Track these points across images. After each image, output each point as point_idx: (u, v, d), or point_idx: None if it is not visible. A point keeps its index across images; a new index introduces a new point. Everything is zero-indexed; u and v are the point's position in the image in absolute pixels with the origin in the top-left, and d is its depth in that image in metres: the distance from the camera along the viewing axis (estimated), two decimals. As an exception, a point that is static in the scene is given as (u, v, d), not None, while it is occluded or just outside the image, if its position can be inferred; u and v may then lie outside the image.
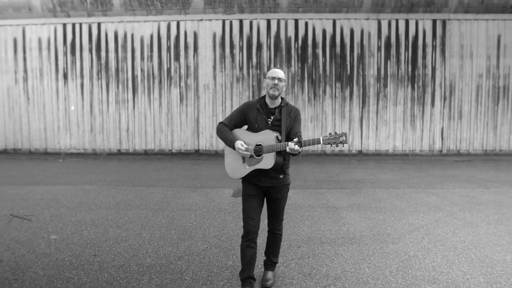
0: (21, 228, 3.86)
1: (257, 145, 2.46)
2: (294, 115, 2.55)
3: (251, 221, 2.46)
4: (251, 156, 2.47)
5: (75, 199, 5.24)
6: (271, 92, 2.47)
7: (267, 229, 2.70)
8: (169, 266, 2.91)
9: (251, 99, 11.24)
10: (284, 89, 2.52)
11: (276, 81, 2.46)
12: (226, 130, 2.56)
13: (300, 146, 2.32)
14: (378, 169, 8.31)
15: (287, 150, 2.32)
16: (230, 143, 2.50)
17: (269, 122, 2.50)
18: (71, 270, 2.83)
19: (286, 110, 2.53)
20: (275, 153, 2.40)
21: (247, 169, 2.49)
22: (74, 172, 7.97)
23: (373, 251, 3.21)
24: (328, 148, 10.78)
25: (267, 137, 2.42)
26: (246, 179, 2.55)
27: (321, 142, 2.34)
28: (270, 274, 2.69)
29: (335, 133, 2.33)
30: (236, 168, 2.54)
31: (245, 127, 2.63)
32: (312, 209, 4.63)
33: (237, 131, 2.59)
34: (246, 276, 2.45)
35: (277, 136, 2.43)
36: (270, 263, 2.73)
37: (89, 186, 6.20)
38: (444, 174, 7.47)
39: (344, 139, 2.32)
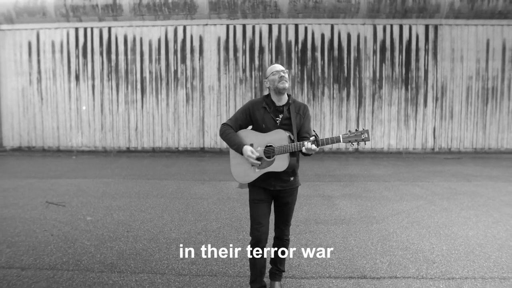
0: (59, 212, 4.50)
1: (267, 146, 2.29)
2: (303, 112, 2.39)
3: (261, 228, 2.34)
4: (261, 159, 2.31)
5: (98, 189, 5.88)
6: (281, 85, 2.29)
7: (274, 235, 2.54)
8: (191, 239, 3.54)
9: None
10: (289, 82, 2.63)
11: (282, 73, 2.31)
12: (231, 132, 2.37)
13: (317, 145, 2.14)
14: (373, 165, 8.94)
15: (303, 150, 2.16)
16: (237, 148, 2.32)
17: (277, 122, 2.34)
18: (112, 241, 3.47)
19: (294, 107, 2.37)
20: (288, 154, 2.25)
21: (257, 173, 2.31)
22: (89, 167, 8.60)
23: (359, 229, 3.84)
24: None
25: (279, 137, 2.25)
26: (253, 183, 2.38)
27: (341, 141, 2.14)
28: (277, 285, 2.56)
29: (356, 130, 2.14)
30: (244, 171, 2.36)
31: (250, 127, 2.48)
32: (310, 198, 5.27)
33: (243, 132, 2.41)
34: (258, 286, 2.40)
35: (289, 136, 2.26)
36: (278, 272, 2.56)
37: (107, 179, 6.84)
38: (432, 170, 8.10)
39: (367, 136, 2.12)
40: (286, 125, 2.33)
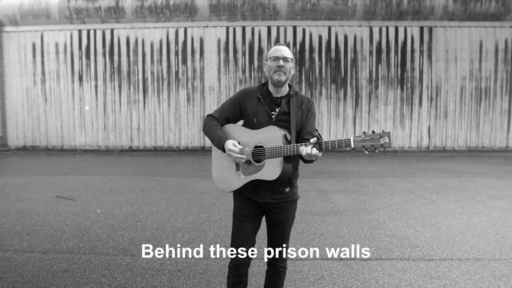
0: (70, 205, 4.78)
1: (256, 146, 1.84)
2: (307, 108, 1.92)
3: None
4: (247, 161, 1.85)
5: (105, 185, 6.17)
6: (276, 77, 1.84)
7: (266, 260, 2.01)
8: (195, 228, 3.83)
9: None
10: (292, 72, 1.89)
11: (281, 62, 1.83)
12: (214, 125, 1.92)
13: (320, 149, 1.68)
14: (368, 163, 9.23)
15: (303, 154, 1.70)
16: (219, 143, 1.86)
17: (273, 116, 1.88)
18: (122, 230, 3.75)
19: (296, 100, 1.91)
20: (282, 158, 1.78)
21: (241, 179, 1.86)
22: (94, 165, 8.88)
23: (351, 219, 4.13)
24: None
25: (271, 135, 1.80)
26: (239, 193, 1.93)
27: (352, 145, 1.66)
28: None
29: (373, 132, 1.65)
30: (226, 177, 1.91)
31: (241, 122, 2.00)
32: (306, 192, 5.56)
33: (229, 127, 1.94)
34: None
35: (285, 135, 1.80)
36: None
37: (112, 176, 7.12)
38: (425, 167, 8.40)
39: (387, 141, 1.61)
40: (283, 122, 1.87)
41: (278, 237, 1.96)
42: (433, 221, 4.05)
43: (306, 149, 1.68)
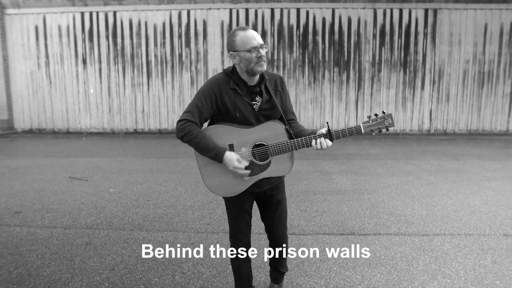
0: (83, 186, 5.01)
1: (256, 145, 1.78)
2: (281, 87, 1.87)
3: (244, 238, 1.97)
4: (250, 164, 1.78)
5: (114, 167, 6.39)
6: (259, 69, 1.72)
7: (268, 242, 2.14)
8: (204, 206, 4.06)
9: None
10: None
11: (261, 52, 1.70)
12: (199, 133, 1.72)
13: (331, 139, 1.71)
14: (370, 145, 9.41)
15: (316, 147, 1.70)
16: (216, 155, 1.72)
17: (255, 107, 1.79)
18: (135, 208, 3.99)
19: (269, 83, 1.83)
20: (291, 153, 1.80)
21: (247, 181, 1.82)
22: (101, 147, 9.10)
23: (352, 198, 4.35)
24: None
25: (273, 132, 1.76)
26: None
27: (362, 131, 1.73)
28: None
29: (376, 115, 1.74)
30: (227, 182, 1.82)
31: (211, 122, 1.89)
32: (309, 174, 5.77)
33: (216, 129, 1.78)
34: None
35: (287, 129, 1.79)
36: (279, 275, 2.21)
37: (121, 158, 7.35)
38: (425, 150, 8.57)
39: (391, 122, 1.74)
40: (267, 110, 1.80)
41: (280, 221, 2.03)
42: (429, 200, 4.26)
43: (319, 141, 1.70)
